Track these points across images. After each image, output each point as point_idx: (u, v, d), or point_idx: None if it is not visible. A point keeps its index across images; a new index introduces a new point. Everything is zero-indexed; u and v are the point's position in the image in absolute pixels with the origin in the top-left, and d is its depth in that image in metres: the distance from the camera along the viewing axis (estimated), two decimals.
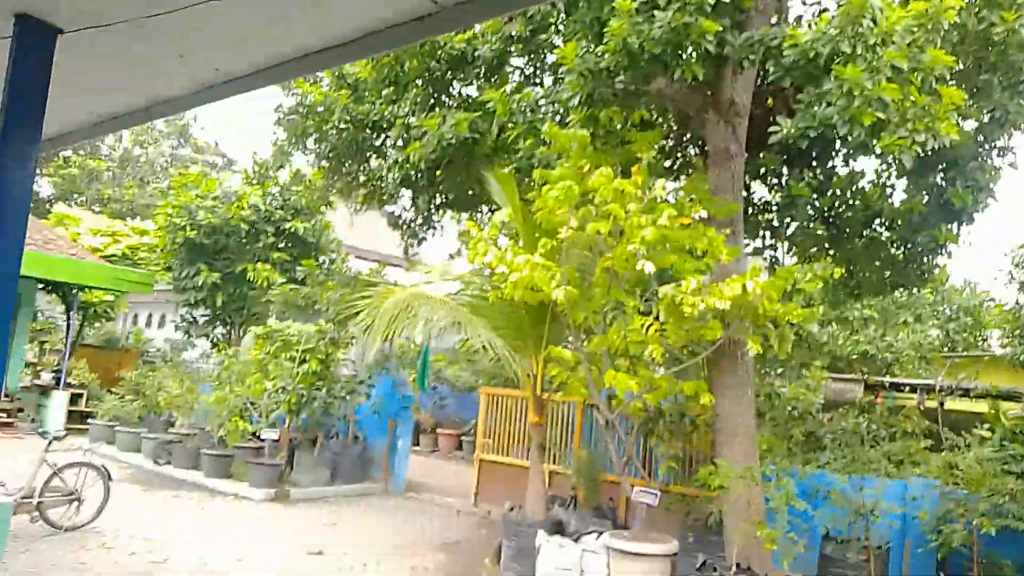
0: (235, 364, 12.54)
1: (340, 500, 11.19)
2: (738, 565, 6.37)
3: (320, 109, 10.70)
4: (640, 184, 6.60)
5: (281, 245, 16.54)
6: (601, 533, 7.19)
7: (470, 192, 11.05)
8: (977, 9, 7.26)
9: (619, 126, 7.75)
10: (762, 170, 8.93)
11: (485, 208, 11.78)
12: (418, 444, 16.91)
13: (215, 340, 17.16)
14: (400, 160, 9.78)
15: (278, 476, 11.00)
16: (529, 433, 9.52)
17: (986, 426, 7.80)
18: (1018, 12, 6.72)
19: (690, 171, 9.34)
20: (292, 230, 16.37)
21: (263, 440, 11.25)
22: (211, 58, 3.30)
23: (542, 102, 8.46)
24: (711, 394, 7.08)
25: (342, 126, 10.46)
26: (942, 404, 12.79)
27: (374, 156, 11.39)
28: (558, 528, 7.83)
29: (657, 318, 6.70)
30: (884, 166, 8.99)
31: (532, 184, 7.59)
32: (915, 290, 15.67)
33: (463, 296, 9.25)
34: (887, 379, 14.26)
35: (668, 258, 6.75)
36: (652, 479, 8.72)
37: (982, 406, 10.85)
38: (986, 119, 7.90)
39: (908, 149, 5.86)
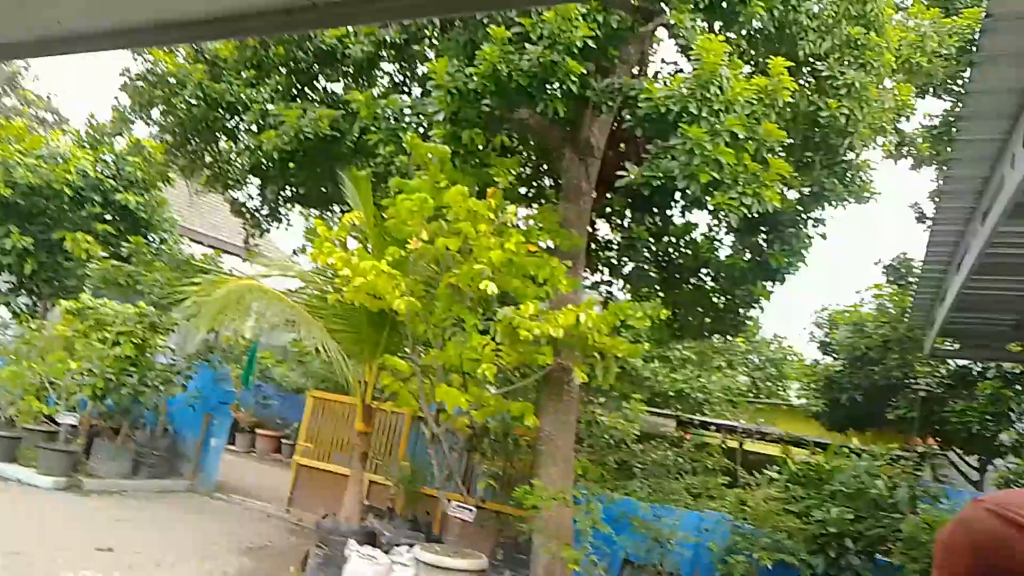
0: (38, 339, 11.45)
1: (140, 495, 10.45)
2: None
3: (172, 80, 10.11)
4: (494, 207, 6.76)
5: (108, 217, 15.31)
6: (412, 545, 7.20)
7: (323, 189, 10.82)
8: (809, 92, 8.08)
9: (480, 148, 7.91)
10: (608, 210, 9.41)
11: (336, 208, 11.56)
12: (234, 443, 16.12)
13: (17, 310, 15.59)
14: (253, 146, 9.43)
15: (72, 464, 10.13)
16: (353, 441, 9.39)
17: (776, 468, 8.58)
18: (839, 102, 7.54)
19: (542, 201, 9.66)
20: (123, 203, 15.21)
21: (59, 424, 10.33)
22: (54, 11, 3.06)
23: (407, 111, 8.47)
24: (536, 417, 7.32)
25: (193, 102, 9.93)
26: (741, 444, 13.92)
27: (224, 138, 10.89)
28: (370, 539, 7.76)
29: (494, 338, 6.85)
30: (715, 221, 9.74)
31: (387, 191, 7.57)
32: (730, 337, 16.99)
33: (301, 294, 9.01)
34: (697, 417, 15.35)
35: (512, 282, 6.94)
36: (470, 495, 8.85)
37: (776, 449, 11.92)
38: (806, 192, 8.78)
39: (736, 209, 6.42)
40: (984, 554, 1.02)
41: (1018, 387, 10.67)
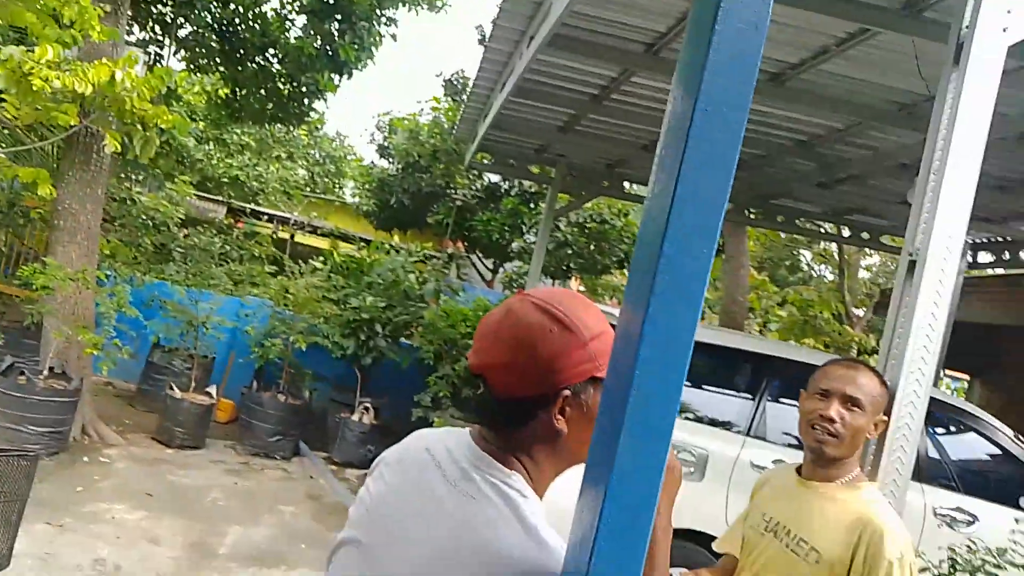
0: None
1: None
2: (51, 369, 5.94)
3: None
4: None
5: None
6: None
7: None
8: None
9: None
10: None
11: None
12: None
13: None
14: None
15: None
16: None
17: (322, 259, 8.85)
18: None
19: None
20: None
21: None
22: None
23: None
24: (54, 187, 6.25)
25: None
26: (293, 236, 14.06)
27: None
28: None
29: None
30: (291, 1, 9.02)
31: None
32: (292, 129, 16.55)
33: None
34: (251, 206, 14.95)
35: (24, 14, 5.54)
36: None
37: (326, 243, 12.30)
38: None
39: None
40: (527, 341, 1.09)
41: (532, 204, 12.53)
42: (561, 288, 1.27)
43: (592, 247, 11.78)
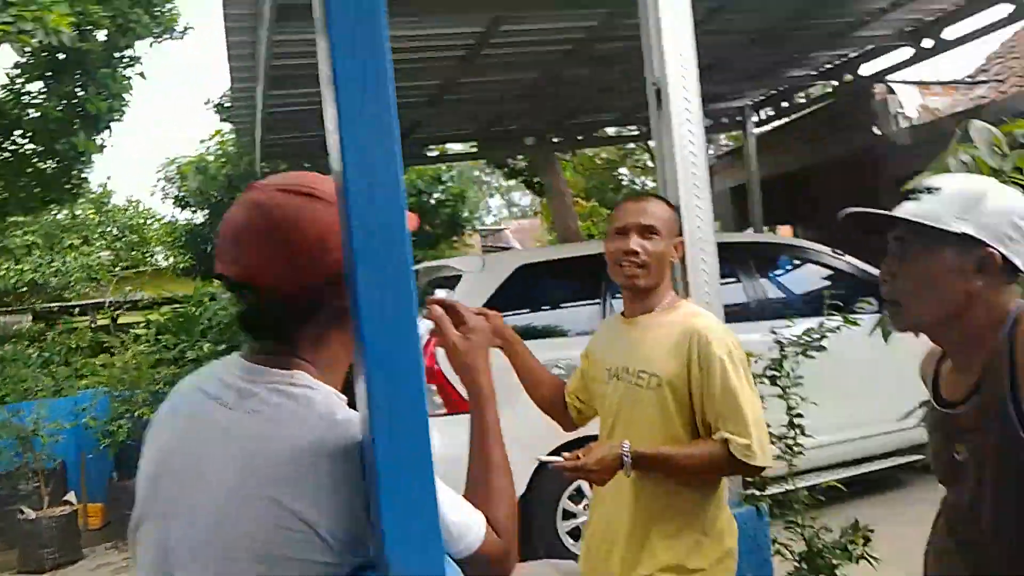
0: None
1: None
2: None
3: None
4: None
5: None
6: None
7: None
8: None
9: None
10: None
11: None
12: None
13: None
14: None
15: None
16: None
17: (143, 324, 8.26)
18: None
19: None
20: None
21: None
22: None
23: None
24: None
25: None
26: (115, 319, 13.06)
27: None
28: None
29: None
30: (18, 71, 8.21)
31: None
32: (79, 212, 15.30)
33: None
34: (57, 304, 13.75)
35: None
36: None
37: (154, 314, 11.51)
38: (114, 28, 7.97)
39: (16, 38, 5.38)
40: (292, 227, 1.01)
41: None
42: (293, 172, 1.18)
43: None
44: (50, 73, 7.80)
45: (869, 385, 4.78)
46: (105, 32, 7.94)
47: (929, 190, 1.37)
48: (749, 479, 2.32)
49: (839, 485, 2.50)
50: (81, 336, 10.47)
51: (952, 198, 1.34)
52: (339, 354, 1.09)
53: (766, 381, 2.43)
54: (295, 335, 1.07)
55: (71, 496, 6.58)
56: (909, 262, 1.37)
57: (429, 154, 9.74)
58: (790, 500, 2.30)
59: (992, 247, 1.29)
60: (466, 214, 13.29)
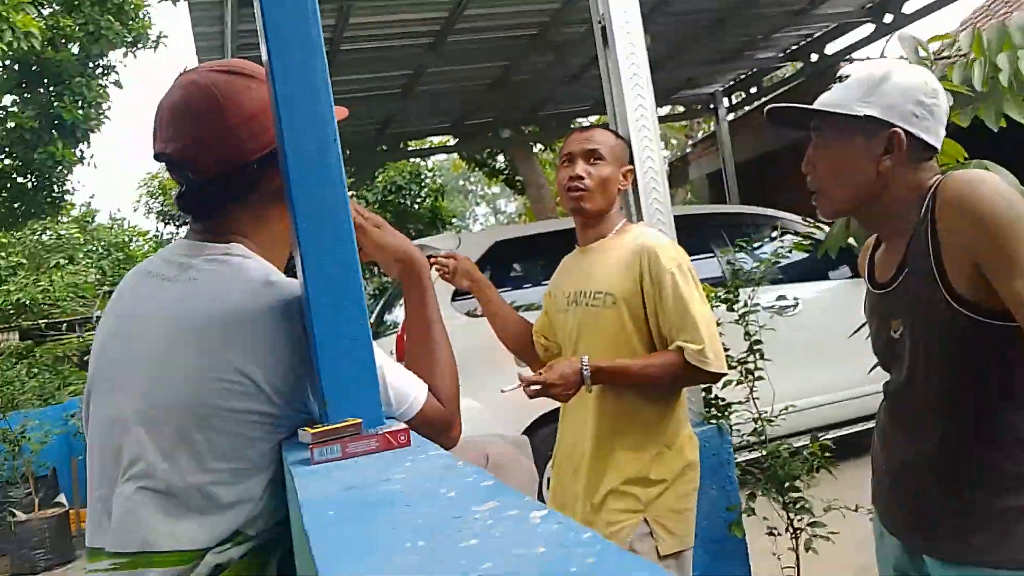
0: None
1: None
2: None
3: None
4: None
5: None
6: None
7: None
8: None
9: None
10: None
11: None
12: None
13: None
14: None
15: None
16: None
17: None
18: None
19: None
20: None
21: None
22: None
23: None
24: None
25: None
26: None
27: None
28: None
29: None
30: None
31: None
32: (63, 232, 15.25)
33: None
34: (44, 321, 13.72)
35: None
36: None
37: None
38: (84, 36, 8.02)
39: None
40: (230, 102, 1.05)
41: None
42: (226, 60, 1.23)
43: (396, 221, 11.79)
44: (23, 84, 7.83)
45: (843, 350, 4.87)
46: (77, 43, 7.98)
47: (840, 79, 1.44)
48: (711, 402, 2.40)
49: (828, 443, 2.53)
50: (68, 346, 10.46)
51: (858, 83, 1.39)
52: (278, 233, 1.13)
53: (722, 306, 2.51)
54: (233, 214, 1.10)
55: (62, 498, 6.59)
56: (824, 150, 1.44)
57: (406, 148, 9.77)
58: (765, 449, 2.36)
59: (897, 126, 1.34)
60: (447, 209, 13.32)
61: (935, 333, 1.32)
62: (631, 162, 2.16)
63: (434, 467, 0.71)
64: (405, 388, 1.09)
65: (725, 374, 1.98)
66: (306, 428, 0.86)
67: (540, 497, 4.35)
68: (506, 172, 13.21)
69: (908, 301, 1.36)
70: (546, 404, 2.84)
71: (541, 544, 0.44)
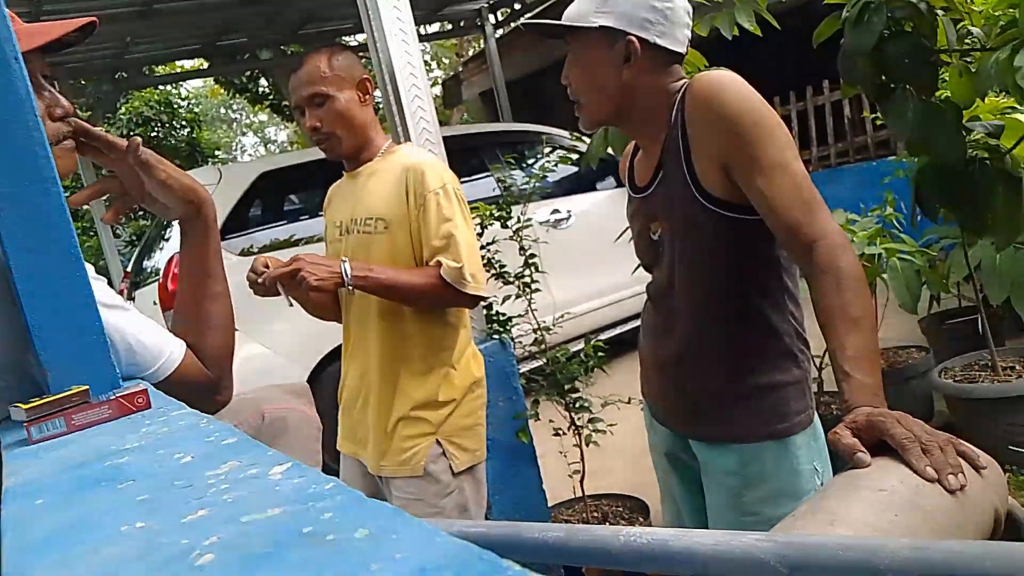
0: None
1: None
2: None
3: None
4: None
5: None
6: None
7: None
8: None
9: None
10: None
11: None
12: None
13: None
14: None
15: None
16: None
17: None
18: None
19: None
20: None
21: None
22: None
23: None
24: None
25: None
26: None
27: None
28: None
29: None
30: None
31: None
32: None
33: None
34: None
35: None
36: None
37: None
38: None
39: None
40: None
41: None
42: None
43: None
44: None
45: (613, 256, 5.20)
46: None
47: None
48: (492, 318, 2.45)
49: (601, 344, 2.64)
50: None
51: None
52: None
53: (496, 224, 2.55)
54: None
55: None
56: (576, 63, 1.46)
57: (151, 74, 8.81)
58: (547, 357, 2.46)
59: (632, 34, 1.36)
60: (209, 140, 12.31)
61: (691, 232, 1.38)
62: (365, 70, 2.00)
63: (173, 430, 0.64)
64: (156, 345, 1.00)
65: (484, 298, 1.95)
66: (18, 404, 0.74)
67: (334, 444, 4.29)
68: (271, 97, 12.42)
69: (665, 203, 1.41)
70: (334, 341, 2.75)
71: (277, 505, 0.40)
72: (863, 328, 1.13)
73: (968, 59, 1.95)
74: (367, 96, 1.95)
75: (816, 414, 1.45)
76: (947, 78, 2.08)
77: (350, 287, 1.80)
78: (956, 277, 2.94)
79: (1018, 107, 2.19)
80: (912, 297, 2.74)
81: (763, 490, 1.41)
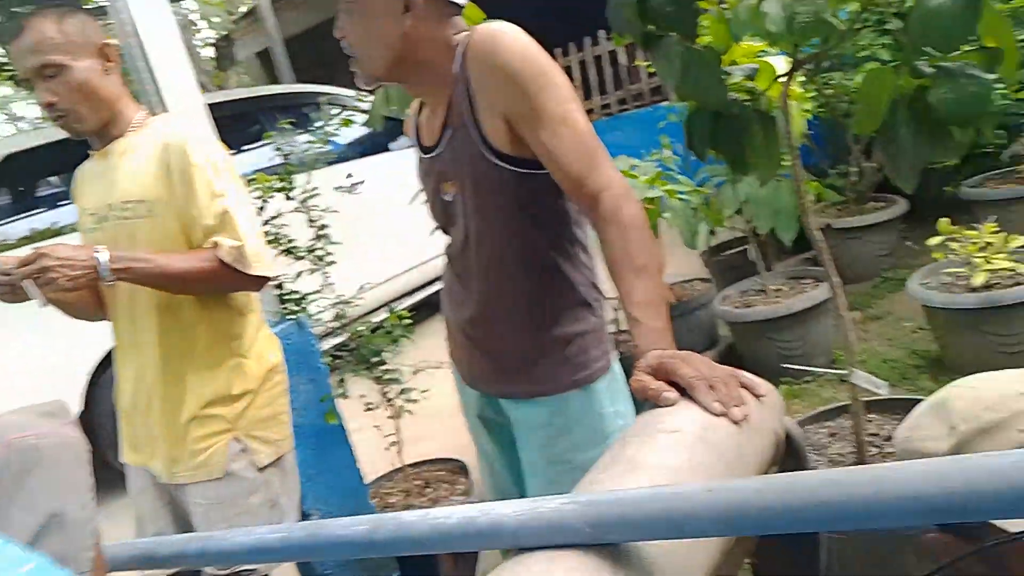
0: None
1: None
2: None
3: None
4: None
5: None
6: None
7: None
8: None
9: None
10: None
11: None
12: None
13: None
14: None
15: None
16: None
17: None
18: None
19: None
20: None
21: None
22: None
23: None
24: None
25: None
26: None
27: None
28: None
29: None
30: None
31: None
32: None
33: None
34: None
35: None
36: None
37: None
38: None
39: None
40: None
41: None
42: None
43: None
44: None
45: (410, 219, 5.12)
46: None
47: None
48: (285, 297, 2.30)
49: (406, 313, 2.56)
50: None
51: None
52: None
53: (279, 196, 2.38)
54: None
55: None
56: (351, 15, 1.35)
57: None
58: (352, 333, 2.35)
59: None
60: None
61: (481, 190, 1.34)
62: (104, 31, 1.76)
63: None
64: None
65: (271, 278, 1.80)
66: None
67: (105, 465, 3.89)
68: (7, 68, 10.86)
69: (455, 162, 1.36)
70: (107, 344, 2.45)
71: None
72: (649, 274, 1.15)
73: (724, 5, 2.05)
74: (110, 63, 1.71)
75: (615, 357, 1.48)
76: (707, 25, 2.18)
77: (109, 279, 1.58)
78: (728, 212, 3.16)
79: (769, 51, 2.35)
80: (691, 234, 2.92)
81: (572, 438, 1.43)
